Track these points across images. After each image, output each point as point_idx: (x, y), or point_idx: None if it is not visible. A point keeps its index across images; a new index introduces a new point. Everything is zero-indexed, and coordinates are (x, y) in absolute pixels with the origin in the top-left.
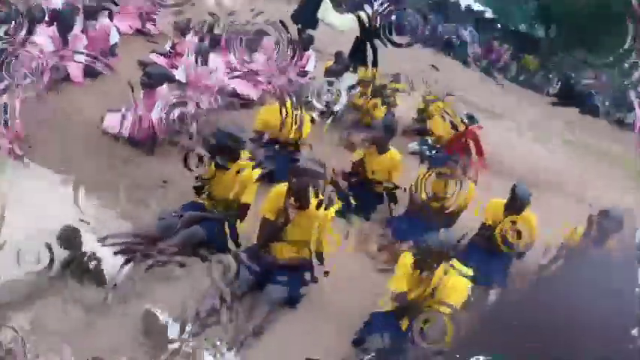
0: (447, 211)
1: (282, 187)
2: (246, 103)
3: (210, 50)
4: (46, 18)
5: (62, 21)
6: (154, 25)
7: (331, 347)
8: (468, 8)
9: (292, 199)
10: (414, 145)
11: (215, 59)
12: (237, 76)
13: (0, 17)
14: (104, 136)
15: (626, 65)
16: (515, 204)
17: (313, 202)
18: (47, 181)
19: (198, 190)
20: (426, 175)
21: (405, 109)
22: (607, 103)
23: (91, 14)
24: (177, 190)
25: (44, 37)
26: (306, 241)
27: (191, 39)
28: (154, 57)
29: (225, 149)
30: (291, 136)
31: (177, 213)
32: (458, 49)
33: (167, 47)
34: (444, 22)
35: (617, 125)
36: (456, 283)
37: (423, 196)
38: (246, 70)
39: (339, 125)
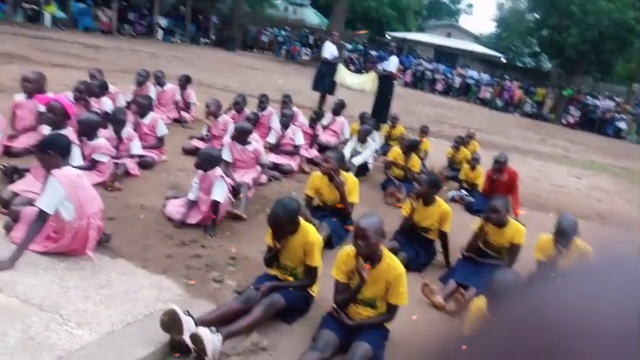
0: (505, 251)
1: (349, 249)
2: (288, 173)
3: (247, 128)
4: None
5: (115, 121)
6: (188, 112)
7: None
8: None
9: (361, 259)
10: (452, 193)
11: (253, 136)
12: (276, 150)
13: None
14: (170, 221)
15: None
16: (564, 236)
17: (386, 258)
18: (127, 269)
19: (268, 262)
20: (482, 223)
21: (435, 154)
22: (627, 125)
23: (142, 111)
24: (247, 265)
25: (103, 139)
26: (382, 297)
27: (225, 120)
28: (194, 142)
29: (287, 223)
30: (338, 199)
31: (255, 285)
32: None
33: (204, 132)
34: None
35: None
36: None
37: (483, 241)
38: (283, 143)
39: (374, 183)
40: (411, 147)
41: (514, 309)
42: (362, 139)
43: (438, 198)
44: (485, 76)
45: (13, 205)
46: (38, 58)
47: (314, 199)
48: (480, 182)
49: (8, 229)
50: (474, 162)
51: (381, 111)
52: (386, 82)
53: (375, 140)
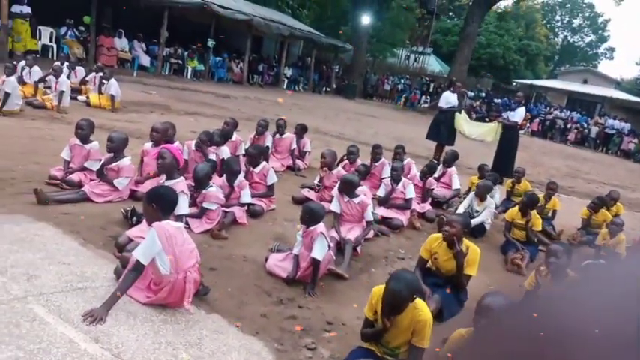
0: None
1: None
2: (397, 229)
3: (354, 180)
4: None
5: (229, 171)
6: (302, 160)
7: None
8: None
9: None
10: (587, 262)
11: (361, 189)
12: (385, 204)
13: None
14: (269, 276)
15: None
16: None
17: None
18: (220, 326)
19: (368, 338)
20: None
21: (566, 214)
22: None
23: (253, 160)
24: (344, 332)
25: (215, 187)
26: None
27: (338, 172)
28: (305, 192)
29: (406, 303)
30: (454, 268)
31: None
32: (612, 142)
33: (315, 182)
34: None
35: None
36: None
37: None
38: (394, 197)
39: (492, 245)
40: (529, 204)
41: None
42: (481, 196)
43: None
44: (628, 126)
45: (126, 251)
46: (176, 107)
47: (427, 262)
48: (622, 250)
49: (118, 274)
50: (614, 227)
51: (503, 164)
52: (510, 132)
53: (495, 197)
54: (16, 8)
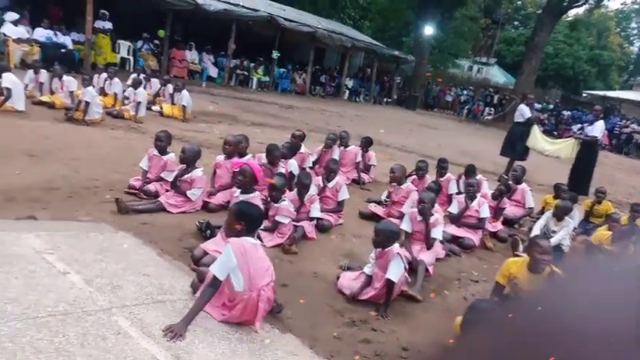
0: None
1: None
2: (468, 249)
3: (429, 197)
4: None
5: (300, 185)
6: (367, 173)
7: None
8: None
9: None
10: None
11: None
12: (457, 222)
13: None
14: (341, 295)
15: None
16: None
17: None
18: (294, 348)
19: None
20: None
21: None
22: None
23: (330, 175)
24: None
25: (287, 201)
26: None
27: (407, 187)
28: (372, 207)
29: None
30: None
31: None
32: None
33: (383, 197)
34: None
35: None
36: None
37: None
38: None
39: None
40: (629, 234)
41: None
42: (559, 216)
43: None
44: None
45: (202, 265)
46: (242, 118)
47: (505, 288)
48: None
49: (194, 287)
50: None
51: (580, 182)
52: (589, 149)
53: (574, 217)
54: (99, 24)
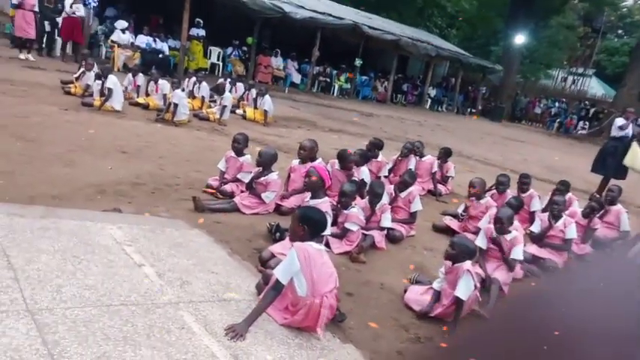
0: None
1: None
2: (547, 269)
3: (510, 216)
4: None
5: (372, 193)
6: (444, 185)
7: None
8: None
9: None
10: None
11: (514, 224)
12: (539, 242)
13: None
14: (407, 310)
15: None
16: None
17: None
18: (355, 359)
19: None
20: None
21: None
22: None
23: (403, 187)
24: None
25: (357, 208)
26: None
27: (487, 202)
28: (447, 220)
29: None
30: None
31: None
32: None
33: (459, 210)
34: None
35: None
36: None
37: None
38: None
39: None
40: None
41: None
42: None
43: None
44: None
45: (268, 267)
46: (321, 124)
47: None
48: None
49: (259, 289)
50: None
51: None
52: None
53: None
54: (194, 31)
